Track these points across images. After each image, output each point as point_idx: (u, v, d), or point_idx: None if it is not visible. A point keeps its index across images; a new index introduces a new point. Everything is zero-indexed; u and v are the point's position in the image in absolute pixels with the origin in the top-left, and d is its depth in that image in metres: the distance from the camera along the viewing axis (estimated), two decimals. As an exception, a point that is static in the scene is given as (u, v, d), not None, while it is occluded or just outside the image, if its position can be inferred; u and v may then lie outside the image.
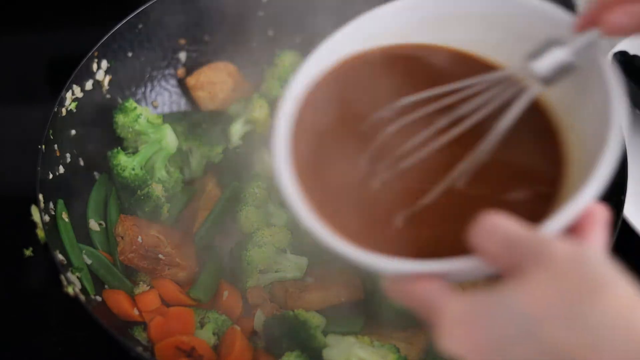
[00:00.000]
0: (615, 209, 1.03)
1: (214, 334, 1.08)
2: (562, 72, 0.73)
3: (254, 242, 1.11)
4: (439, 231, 0.74)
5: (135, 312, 1.09)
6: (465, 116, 0.77)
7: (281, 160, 0.76)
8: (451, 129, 0.77)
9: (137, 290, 1.12)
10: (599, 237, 0.66)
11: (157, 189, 1.18)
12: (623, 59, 1.31)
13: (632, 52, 1.32)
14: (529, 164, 0.78)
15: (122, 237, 1.12)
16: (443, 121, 0.77)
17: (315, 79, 0.81)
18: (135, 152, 1.21)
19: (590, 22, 0.71)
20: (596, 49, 0.73)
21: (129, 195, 1.19)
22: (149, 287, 1.12)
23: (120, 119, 1.21)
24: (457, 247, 0.68)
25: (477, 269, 0.65)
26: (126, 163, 1.17)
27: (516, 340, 0.59)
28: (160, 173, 1.21)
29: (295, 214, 0.72)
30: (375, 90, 0.83)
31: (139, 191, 1.18)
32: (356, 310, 1.12)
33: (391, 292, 0.68)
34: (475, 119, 0.76)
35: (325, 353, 1.02)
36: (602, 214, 0.67)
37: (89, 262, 1.11)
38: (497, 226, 0.63)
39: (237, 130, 1.28)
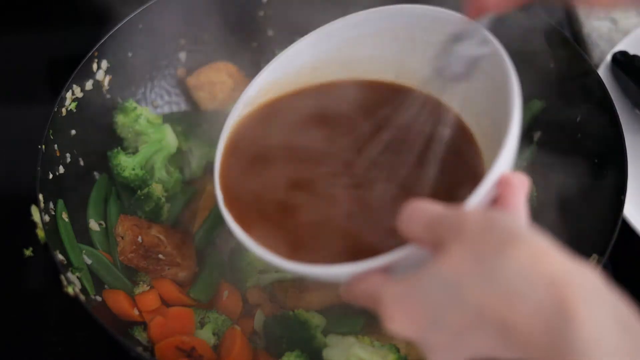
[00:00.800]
0: (615, 209, 1.03)
1: (214, 334, 1.08)
2: (472, 64, 0.77)
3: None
4: (371, 232, 0.82)
5: (135, 312, 1.09)
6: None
7: (217, 184, 0.89)
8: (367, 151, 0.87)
9: (137, 291, 1.11)
10: (517, 202, 0.70)
11: (157, 189, 1.18)
12: (623, 59, 1.31)
13: (632, 52, 1.32)
14: (450, 163, 0.85)
15: (122, 237, 1.12)
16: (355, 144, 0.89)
17: (246, 114, 0.95)
18: (135, 152, 1.21)
19: (477, 8, 0.77)
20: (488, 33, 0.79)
21: (129, 195, 1.19)
22: (149, 287, 1.12)
23: (120, 119, 1.21)
24: (392, 242, 0.74)
25: (413, 255, 0.70)
26: (126, 163, 1.17)
27: (447, 309, 0.63)
28: (160, 173, 1.21)
29: (234, 234, 0.83)
30: (292, 125, 0.95)
31: (139, 191, 1.18)
32: (356, 310, 1.12)
33: (345, 296, 0.76)
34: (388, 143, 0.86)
35: (325, 353, 1.02)
36: (518, 182, 0.71)
37: (89, 262, 1.11)
38: (419, 209, 0.68)
39: (237, 130, 1.28)
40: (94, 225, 1.17)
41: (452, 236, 0.65)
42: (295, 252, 0.83)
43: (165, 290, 1.12)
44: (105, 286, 1.11)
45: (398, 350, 1.02)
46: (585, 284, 0.59)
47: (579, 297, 0.58)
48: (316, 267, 0.77)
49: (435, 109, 0.87)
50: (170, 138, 1.22)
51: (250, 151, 0.94)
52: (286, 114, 0.96)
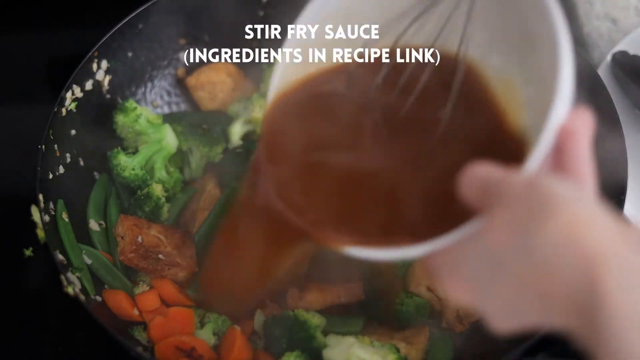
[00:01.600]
0: (615, 209, 1.03)
1: (214, 334, 1.08)
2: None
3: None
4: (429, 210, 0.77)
5: (135, 312, 1.09)
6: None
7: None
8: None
9: (137, 290, 1.11)
10: (579, 152, 0.65)
11: (157, 189, 1.18)
12: (623, 59, 1.31)
13: (632, 52, 1.32)
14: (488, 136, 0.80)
15: (122, 237, 1.12)
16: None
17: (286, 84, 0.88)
18: (135, 152, 1.21)
19: None
20: None
21: (129, 195, 1.19)
22: (149, 287, 1.12)
23: (120, 119, 1.21)
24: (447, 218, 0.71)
25: (476, 225, 0.67)
26: (126, 163, 1.17)
27: (493, 280, 0.62)
28: (160, 173, 1.21)
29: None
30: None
31: (139, 191, 1.18)
32: (356, 311, 1.12)
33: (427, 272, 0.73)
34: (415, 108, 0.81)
35: (325, 353, 1.02)
36: (579, 126, 0.66)
37: (89, 262, 1.11)
38: (474, 173, 0.66)
39: (237, 130, 1.28)
40: (94, 225, 1.17)
41: (495, 203, 0.62)
42: (343, 226, 0.78)
43: (165, 290, 1.12)
44: (105, 286, 1.11)
45: (398, 350, 1.02)
46: (623, 263, 0.55)
47: (612, 279, 0.55)
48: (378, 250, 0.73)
49: (452, 64, 0.81)
50: (170, 138, 1.22)
51: (295, 122, 0.88)
52: (322, 88, 0.90)
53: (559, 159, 0.67)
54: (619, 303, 0.54)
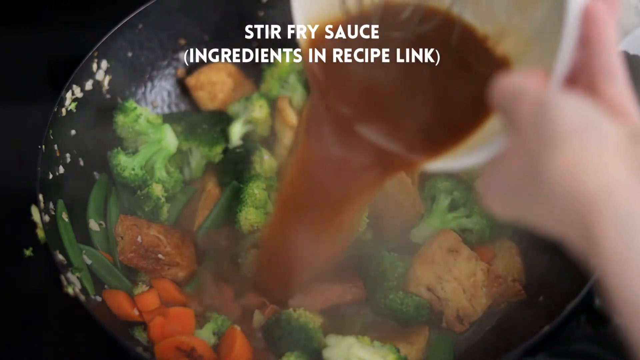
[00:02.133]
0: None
1: (214, 334, 1.08)
2: None
3: (253, 242, 1.11)
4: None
5: (135, 312, 1.09)
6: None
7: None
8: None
9: (137, 291, 1.11)
10: (605, 41, 0.62)
11: (157, 189, 1.18)
12: (623, 59, 1.31)
13: (632, 52, 1.32)
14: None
15: (122, 237, 1.12)
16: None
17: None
18: (135, 152, 1.21)
19: None
20: None
21: (129, 195, 1.19)
22: (148, 287, 1.12)
23: (120, 119, 1.21)
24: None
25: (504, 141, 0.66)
26: (126, 163, 1.17)
27: (514, 198, 0.64)
28: (160, 173, 1.21)
29: None
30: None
31: (139, 191, 1.18)
32: (356, 311, 1.12)
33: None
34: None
35: (325, 353, 1.02)
36: (603, 12, 0.62)
37: (89, 262, 1.11)
38: (507, 81, 0.63)
39: (237, 130, 1.28)
40: (94, 225, 1.17)
41: (515, 121, 0.61)
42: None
43: (164, 290, 1.12)
44: (105, 286, 1.11)
45: (398, 350, 1.02)
46: (619, 207, 0.54)
47: (606, 224, 0.54)
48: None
49: None
50: (170, 138, 1.22)
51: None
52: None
53: (585, 64, 0.63)
54: (614, 245, 0.53)
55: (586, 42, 0.63)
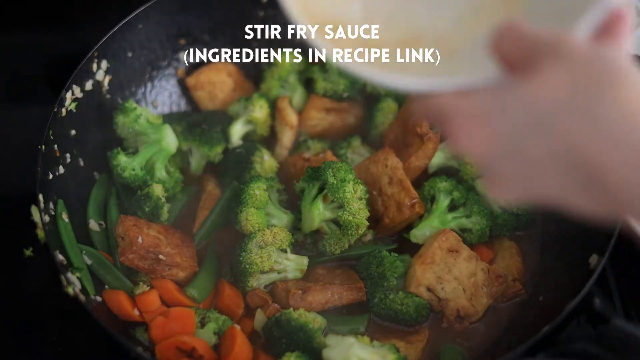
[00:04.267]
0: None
1: (214, 333, 1.08)
2: None
3: (254, 242, 1.11)
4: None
5: (136, 312, 1.09)
6: None
7: None
8: None
9: (137, 291, 1.11)
10: (624, 35, 0.63)
11: (157, 189, 1.18)
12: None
13: (632, 52, 1.32)
14: None
15: (122, 238, 1.12)
16: None
17: None
18: (135, 152, 1.21)
19: None
20: None
21: (129, 196, 1.19)
22: (149, 287, 1.12)
23: (120, 119, 1.21)
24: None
25: (490, 76, 0.64)
26: (126, 163, 1.17)
27: (528, 135, 0.58)
28: (160, 173, 1.21)
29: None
30: None
31: (139, 191, 1.18)
32: (357, 311, 1.12)
33: (413, 109, 0.68)
34: None
35: (325, 353, 1.02)
36: (627, 16, 0.63)
37: (89, 262, 1.11)
38: (516, 28, 0.62)
39: (237, 130, 1.28)
40: (94, 225, 1.17)
41: (551, 57, 0.59)
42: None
43: (165, 291, 1.12)
44: (106, 286, 1.11)
45: (398, 350, 1.02)
46: None
47: None
48: (391, 75, 0.69)
49: None
50: (170, 138, 1.22)
51: None
52: None
53: (604, 33, 0.63)
54: None
55: (607, 29, 0.64)
